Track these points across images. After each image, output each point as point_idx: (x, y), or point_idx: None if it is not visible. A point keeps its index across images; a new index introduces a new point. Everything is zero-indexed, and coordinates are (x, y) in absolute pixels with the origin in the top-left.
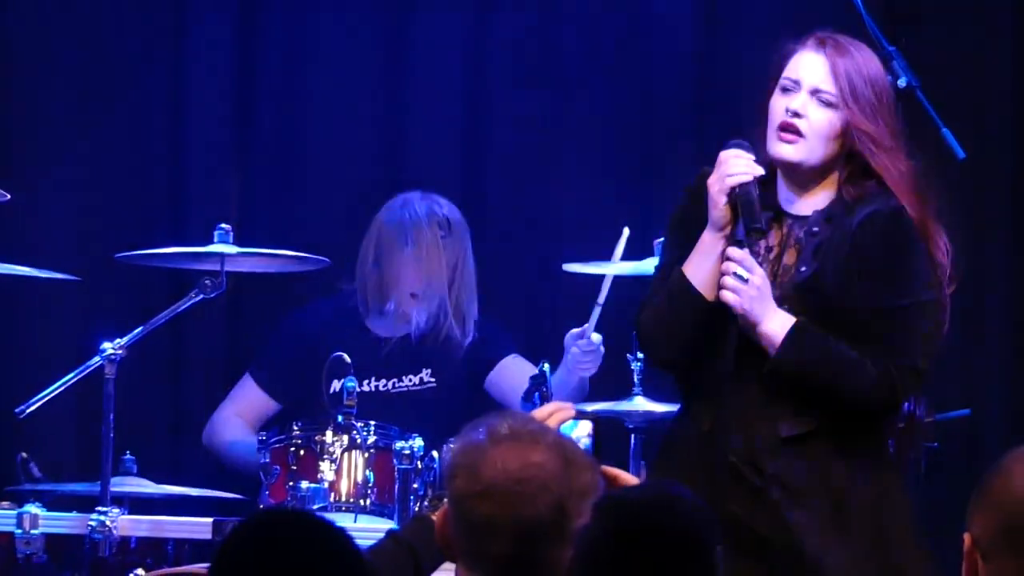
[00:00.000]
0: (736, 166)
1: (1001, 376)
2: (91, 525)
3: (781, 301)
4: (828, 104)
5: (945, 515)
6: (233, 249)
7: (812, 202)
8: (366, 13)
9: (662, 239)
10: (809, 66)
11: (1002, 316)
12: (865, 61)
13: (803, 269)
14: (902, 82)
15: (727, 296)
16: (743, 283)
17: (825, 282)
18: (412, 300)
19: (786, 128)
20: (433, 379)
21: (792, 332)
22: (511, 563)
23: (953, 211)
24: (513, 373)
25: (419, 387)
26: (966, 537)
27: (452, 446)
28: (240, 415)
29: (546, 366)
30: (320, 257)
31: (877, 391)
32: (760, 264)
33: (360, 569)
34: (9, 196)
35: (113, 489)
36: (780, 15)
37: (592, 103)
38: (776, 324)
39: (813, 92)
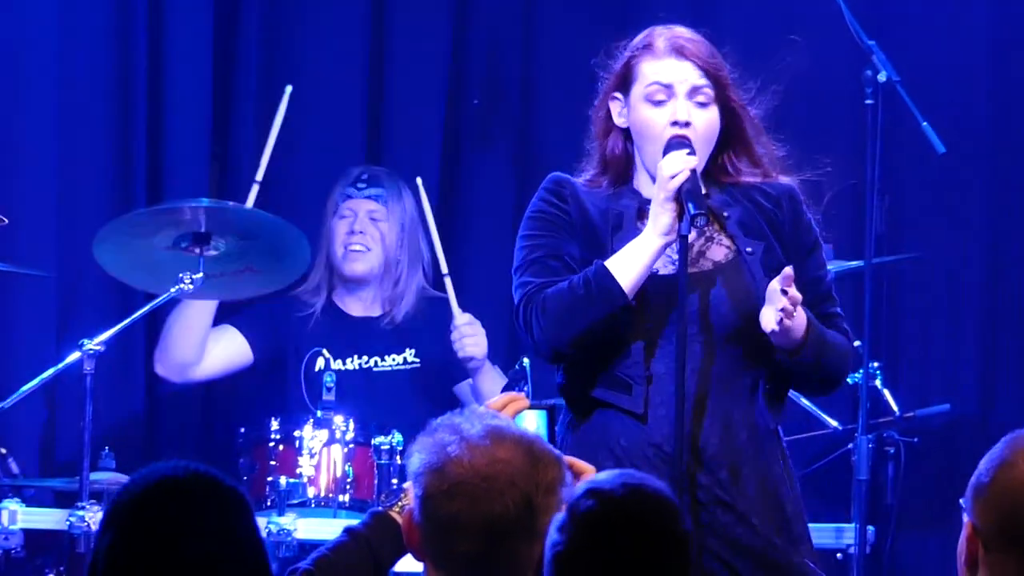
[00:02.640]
0: (674, 167)
1: (979, 372)
2: (70, 520)
3: (734, 280)
4: (706, 105)
5: (925, 508)
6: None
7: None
8: (348, 10)
9: (527, 232)
10: (676, 70)
11: (980, 312)
12: (711, 48)
13: (749, 250)
14: (882, 76)
15: (778, 326)
16: (790, 319)
17: (776, 255)
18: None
19: (679, 140)
20: (417, 360)
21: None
22: (480, 560)
23: (932, 205)
24: (486, 383)
25: (402, 367)
26: (967, 525)
27: (416, 446)
28: (208, 345)
29: (526, 361)
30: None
31: (854, 358)
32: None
33: (252, 529)
34: (7, 221)
35: (92, 484)
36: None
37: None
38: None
39: (690, 95)
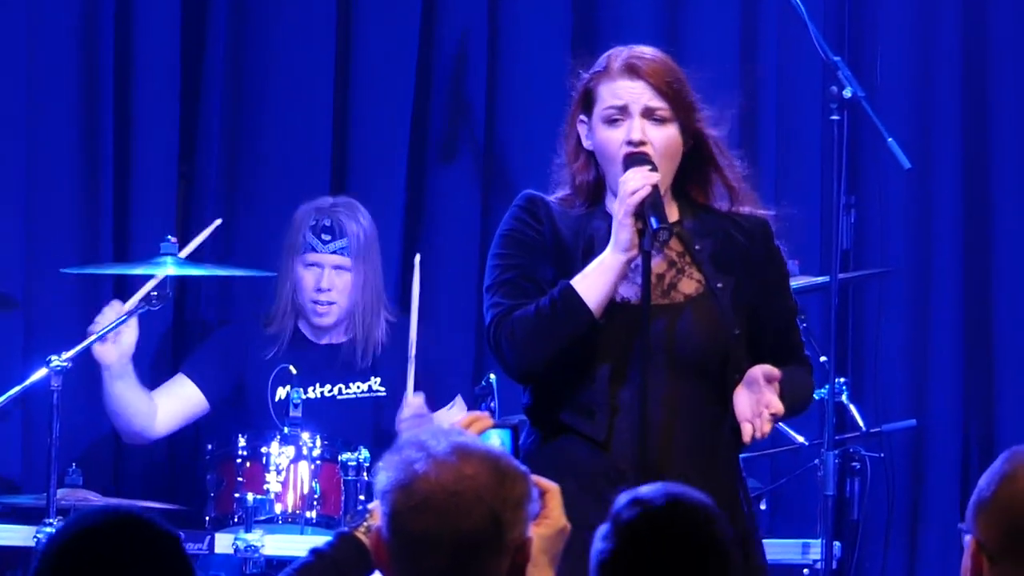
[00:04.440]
0: (634, 183)
1: (945, 387)
2: (37, 537)
3: (704, 315)
4: (663, 121)
5: (891, 524)
6: (179, 270)
7: (667, 212)
8: (313, 28)
9: (498, 251)
10: (629, 90)
11: (948, 327)
12: (670, 65)
13: (720, 286)
14: (848, 92)
15: (762, 431)
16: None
17: (746, 292)
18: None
19: (635, 158)
20: (383, 388)
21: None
22: (449, 575)
23: (898, 221)
24: (452, 419)
25: (367, 395)
26: (970, 540)
27: (382, 464)
28: (160, 403)
29: (492, 377)
30: (268, 273)
31: (813, 389)
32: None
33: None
34: None
35: (59, 501)
36: (732, 25)
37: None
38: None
39: (646, 114)
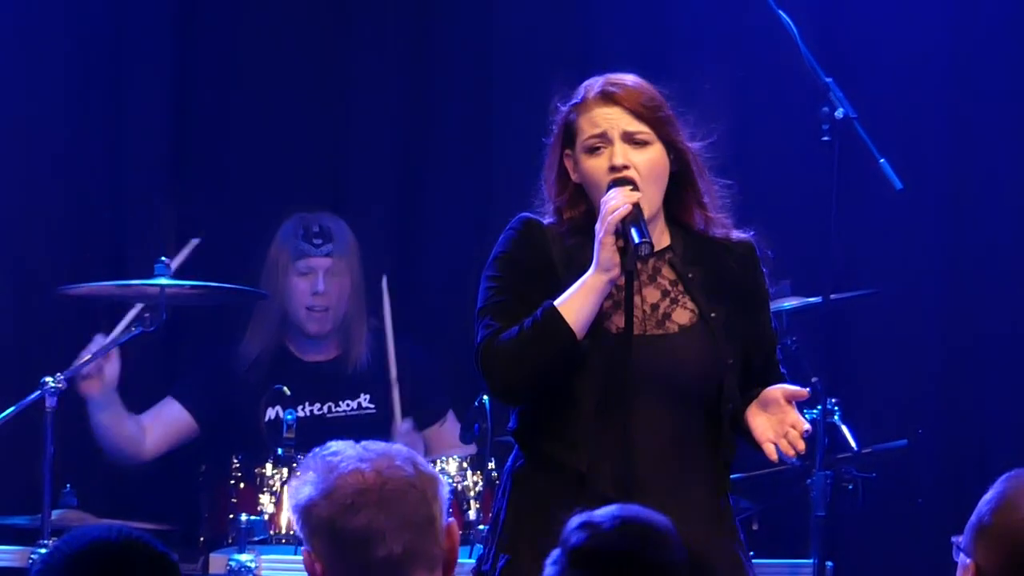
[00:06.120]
0: (614, 202)
1: (937, 407)
2: (32, 559)
3: (699, 344)
4: (644, 143)
5: (883, 544)
6: (172, 282)
7: (658, 238)
8: (303, 43)
9: (492, 273)
10: (606, 117)
11: (937, 348)
12: (645, 87)
13: (713, 315)
14: (839, 113)
15: (798, 447)
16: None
17: (738, 320)
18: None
19: (620, 183)
20: (372, 405)
21: None
22: (403, 561)
23: (890, 241)
24: (444, 435)
25: (356, 412)
26: (969, 564)
27: (295, 484)
28: (149, 426)
29: (485, 398)
30: (259, 291)
31: None
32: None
33: None
34: None
35: (53, 521)
36: (728, 43)
37: None
38: None
39: (625, 138)
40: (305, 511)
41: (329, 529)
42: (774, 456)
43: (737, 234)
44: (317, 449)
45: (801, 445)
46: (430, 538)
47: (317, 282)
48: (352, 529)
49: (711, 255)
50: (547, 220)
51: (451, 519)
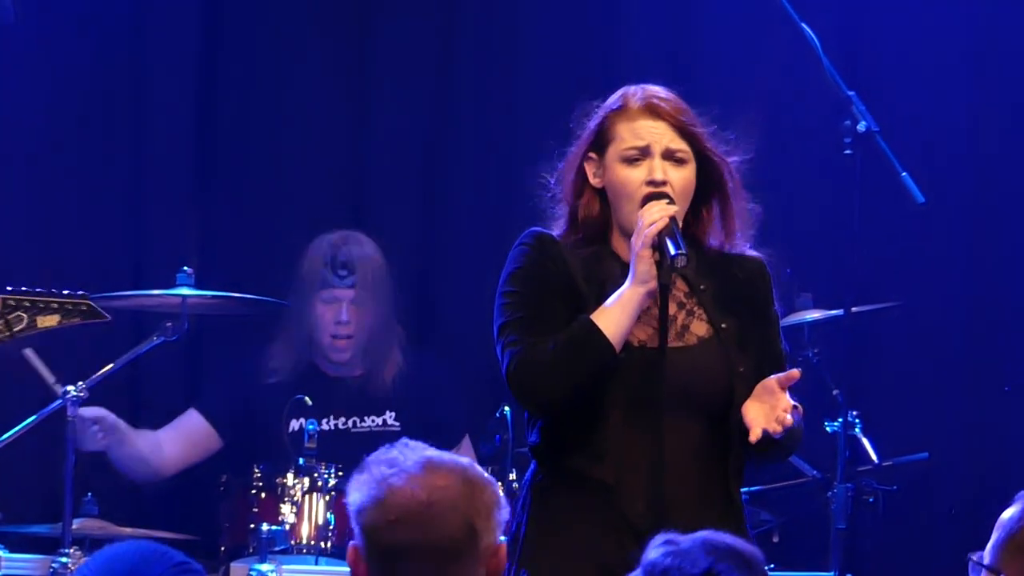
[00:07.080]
0: (651, 216)
1: (958, 420)
2: (53, 567)
3: (715, 356)
4: (683, 162)
5: (903, 557)
6: (194, 292)
7: None
8: (327, 56)
9: (510, 289)
10: (651, 130)
11: (958, 361)
12: (685, 106)
13: (724, 326)
14: (862, 126)
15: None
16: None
17: (750, 333)
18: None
19: (655, 197)
20: (397, 423)
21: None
22: None
23: (912, 255)
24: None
25: (381, 428)
26: None
27: (354, 484)
28: (170, 440)
29: (507, 409)
30: (280, 300)
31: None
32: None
33: None
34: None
35: (75, 531)
36: (751, 56)
37: None
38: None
39: (666, 154)
40: (356, 514)
41: (372, 537)
42: (755, 437)
43: (750, 252)
44: (384, 452)
45: (788, 420)
46: (468, 561)
47: (341, 312)
48: (388, 543)
49: (723, 269)
50: (557, 228)
51: (503, 539)
